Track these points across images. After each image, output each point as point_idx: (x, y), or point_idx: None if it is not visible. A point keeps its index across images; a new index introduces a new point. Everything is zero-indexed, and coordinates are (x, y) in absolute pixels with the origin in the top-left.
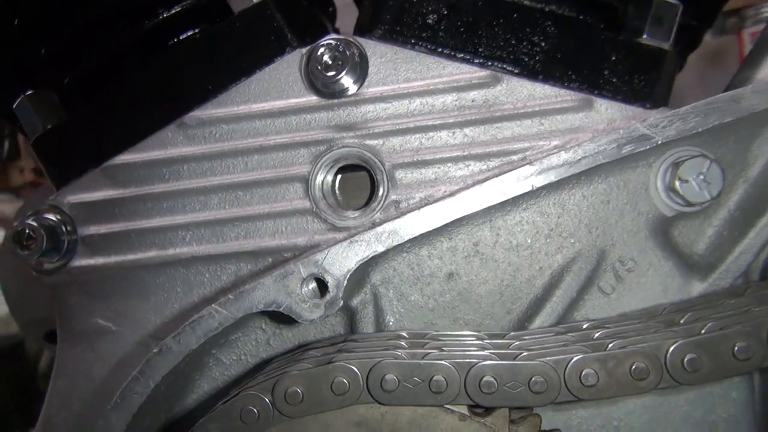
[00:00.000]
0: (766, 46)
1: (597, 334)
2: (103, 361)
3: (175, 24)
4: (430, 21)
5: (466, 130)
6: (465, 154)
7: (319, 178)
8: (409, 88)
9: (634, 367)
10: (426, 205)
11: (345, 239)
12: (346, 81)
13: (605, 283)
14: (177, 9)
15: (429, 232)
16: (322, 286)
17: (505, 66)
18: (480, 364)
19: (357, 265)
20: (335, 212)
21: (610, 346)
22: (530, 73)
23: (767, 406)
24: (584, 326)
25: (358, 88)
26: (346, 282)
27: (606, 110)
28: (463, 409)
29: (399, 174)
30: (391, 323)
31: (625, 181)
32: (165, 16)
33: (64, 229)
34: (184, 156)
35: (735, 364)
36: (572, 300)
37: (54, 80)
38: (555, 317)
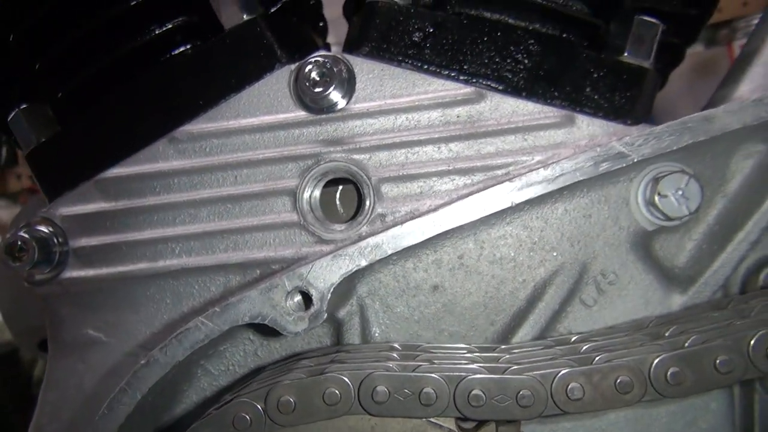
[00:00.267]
0: (745, 64)
1: (585, 348)
2: (93, 371)
3: (167, 40)
4: (416, 39)
5: (451, 146)
6: (450, 168)
7: (307, 192)
8: (395, 104)
9: (618, 380)
10: (411, 219)
11: (331, 252)
12: (334, 96)
13: (587, 295)
14: (169, 26)
15: (414, 245)
16: (307, 299)
17: (489, 83)
18: (469, 377)
19: (341, 279)
20: (322, 225)
21: (597, 359)
22: (514, 89)
23: (747, 418)
24: (573, 339)
25: (346, 104)
26: (330, 295)
27: (588, 126)
28: (451, 424)
29: (385, 188)
30: (377, 334)
31: (606, 195)
32: (157, 32)
33: (55, 240)
34: (175, 169)
35: (717, 377)
36: (555, 312)
37: (48, 94)
38: (538, 329)
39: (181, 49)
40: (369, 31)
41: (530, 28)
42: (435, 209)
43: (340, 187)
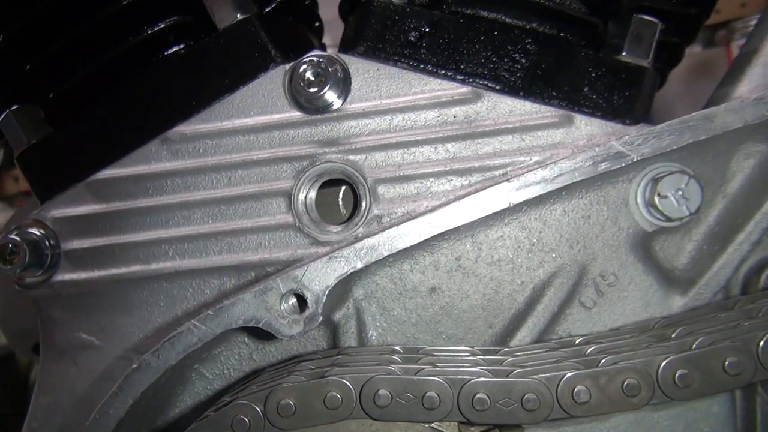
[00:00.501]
0: (745, 63)
1: (589, 350)
2: (86, 375)
3: (160, 40)
4: (412, 38)
5: (448, 146)
6: (447, 169)
7: (302, 193)
8: (391, 104)
9: (626, 383)
10: (407, 220)
11: (326, 254)
12: (329, 97)
13: (587, 297)
14: (162, 25)
15: (411, 246)
16: (302, 302)
17: (486, 82)
18: (473, 380)
19: (336, 281)
20: (318, 227)
21: (603, 361)
22: (511, 89)
23: (749, 422)
24: (576, 341)
25: (341, 104)
26: (325, 298)
27: (586, 126)
28: (454, 429)
29: (381, 189)
30: (373, 337)
31: (605, 196)
32: (150, 32)
33: (47, 243)
34: (168, 171)
35: (726, 380)
36: (554, 314)
37: (39, 95)
38: (537, 332)
39: (174, 49)
40: (364, 30)
41: (527, 27)
42: (432, 210)
43: (343, 188)
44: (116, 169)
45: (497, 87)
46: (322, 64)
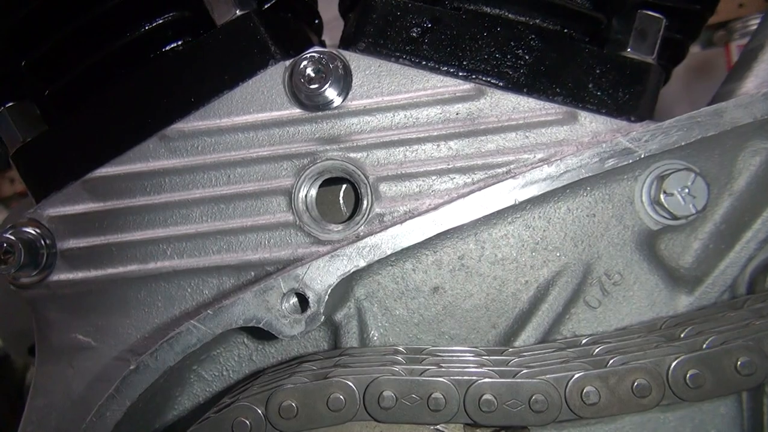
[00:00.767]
0: (750, 59)
1: (597, 350)
2: (82, 377)
3: (157, 36)
4: (414, 34)
5: (451, 143)
6: (449, 167)
7: (303, 192)
8: (393, 101)
9: (636, 383)
10: (410, 218)
11: (328, 253)
12: (330, 94)
13: (591, 296)
14: (159, 21)
15: (413, 245)
16: (303, 302)
17: (489, 79)
18: (479, 381)
19: (338, 280)
20: (319, 225)
21: (611, 362)
22: (514, 86)
23: (756, 422)
24: (583, 341)
25: (342, 101)
26: (327, 297)
27: (590, 123)
28: (459, 430)
29: (383, 187)
30: (375, 338)
31: (610, 194)
32: (147, 28)
33: (42, 242)
34: (166, 169)
35: (738, 380)
36: (558, 314)
37: (35, 92)
38: (541, 332)
39: (172, 45)
40: (365, 26)
41: (531, 22)
42: (435, 208)
43: (344, 186)
44: (113, 166)
45: (500, 84)
46: (323, 60)
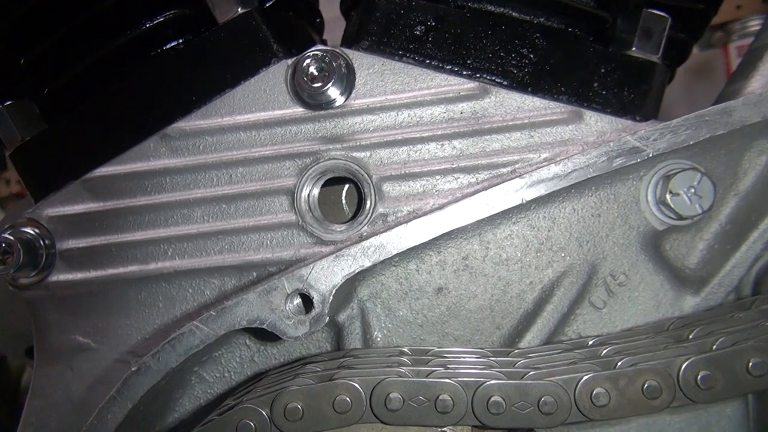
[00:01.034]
0: (756, 59)
1: (605, 351)
2: (82, 379)
3: (158, 34)
4: (417, 32)
5: (455, 143)
6: (454, 166)
7: (305, 191)
8: (396, 100)
9: (646, 385)
10: (414, 218)
11: (331, 253)
12: (333, 92)
13: (597, 297)
14: (160, 19)
15: (417, 246)
16: (307, 302)
17: (493, 78)
18: (488, 383)
19: (343, 281)
20: (321, 225)
21: (620, 363)
22: (519, 85)
23: (762, 423)
24: (590, 342)
25: (345, 100)
26: (332, 298)
27: (596, 123)
28: None
29: (387, 187)
30: (378, 339)
31: (615, 194)
32: (148, 26)
33: (41, 243)
34: (167, 168)
35: (749, 381)
36: (563, 315)
37: (34, 90)
38: (546, 333)
39: (173, 43)
40: (369, 24)
41: (535, 21)
42: (440, 208)
43: (347, 186)
44: (113, 166)
45: (505, 82)
46: (326, 59)
